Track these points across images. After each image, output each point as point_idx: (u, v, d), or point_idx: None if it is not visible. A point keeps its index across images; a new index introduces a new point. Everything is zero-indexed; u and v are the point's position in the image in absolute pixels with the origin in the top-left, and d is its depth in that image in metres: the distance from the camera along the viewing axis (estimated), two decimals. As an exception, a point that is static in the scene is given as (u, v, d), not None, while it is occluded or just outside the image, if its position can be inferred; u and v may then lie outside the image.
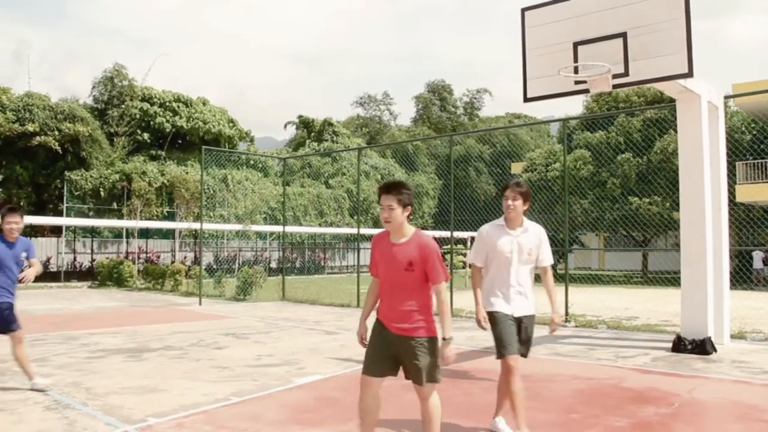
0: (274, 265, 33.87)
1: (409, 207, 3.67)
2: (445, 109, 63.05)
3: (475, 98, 64.47)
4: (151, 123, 36.71)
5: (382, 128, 59.67)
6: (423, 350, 3.68)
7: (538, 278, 4.60)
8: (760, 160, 23.29)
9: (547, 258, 4.51)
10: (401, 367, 3.80)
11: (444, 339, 3.65)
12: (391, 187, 3.67)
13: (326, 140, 44.40)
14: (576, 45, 7.57)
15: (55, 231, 29.37)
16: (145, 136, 36.44)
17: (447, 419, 4.90)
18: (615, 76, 7.28)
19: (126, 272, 23.21)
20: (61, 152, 29.00)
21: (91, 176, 29.78)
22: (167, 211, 31.21)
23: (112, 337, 9.44)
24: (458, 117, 63.59)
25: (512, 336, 4.30)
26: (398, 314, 3.69)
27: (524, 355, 4.40)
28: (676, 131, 8.82)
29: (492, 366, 7.16)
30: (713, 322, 8.05)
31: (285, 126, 53.11)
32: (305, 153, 40.82)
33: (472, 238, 28.98)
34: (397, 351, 3.73)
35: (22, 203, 28.90)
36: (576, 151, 27.61)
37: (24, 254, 6.01)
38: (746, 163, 23.67)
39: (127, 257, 27.36)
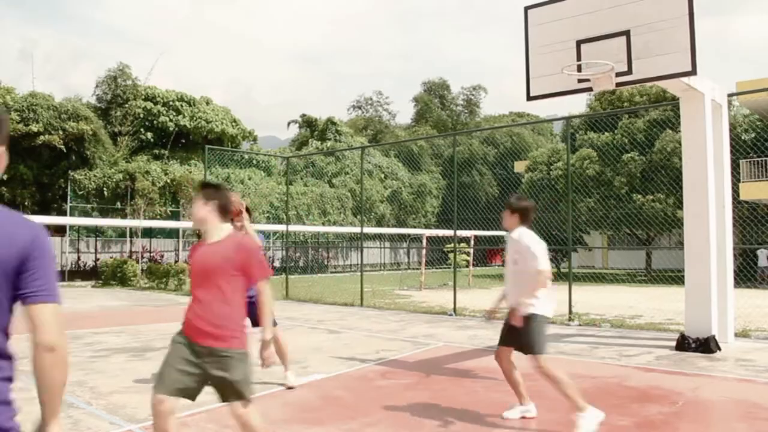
0: (277, 264, 33.93)
1: (223, 207, 3.37)
2: (445, 107, 62.87)
3: (473, 95, 64.28)
4: (155, 122, 36.78)
5: (383, 128, 59.63)
6: (238, 364, 3.24)
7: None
8: (763, 158, 23.22)
9: (532, 264, 4.53)
10: (212, 389, 3.33)
11: (264, 340, 3.28)
12: (202, 187, 3.42)
13: (329, 139, 44.43)
14: (579, 43, 7.56)
15: (59, 230, 29.45)
16: (149, 135, 36.52)
17: (451, 418, 4.90)
18: (618, 75, 7.27)
19: (130, 272, 23.26)
20: (65, 151, 29.09)
21: (94, 176, 29.84)
22: (171, 211, 31.26)
23: (116, 337, 9.46)
24: (458, 115, 63.45)
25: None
26: (209, 323, 3.25)
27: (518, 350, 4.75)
28: (674, 130, 8.80)
29: (495, 364, 7.15)
30: (717, 321, 8.04)
31: (288, 125, 53.17)
32: (308, 152, 40.86)
33: (476, 237, 29.02)
34: (205, 367, 3.23)
35: (26, 203, 29.01)
36: (582, 150, 27.57)
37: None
38: (750, 161, 23.60)
39: (130, 256, 27.43)
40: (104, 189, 29.96)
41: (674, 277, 16.21)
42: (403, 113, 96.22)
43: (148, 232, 30.92)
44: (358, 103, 63.47)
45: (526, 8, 8.17)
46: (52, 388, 1.56)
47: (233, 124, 39.63)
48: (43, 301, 1.60)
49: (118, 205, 30.41)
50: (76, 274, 26.75)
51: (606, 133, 27.63)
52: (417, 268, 30.67)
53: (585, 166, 26.83)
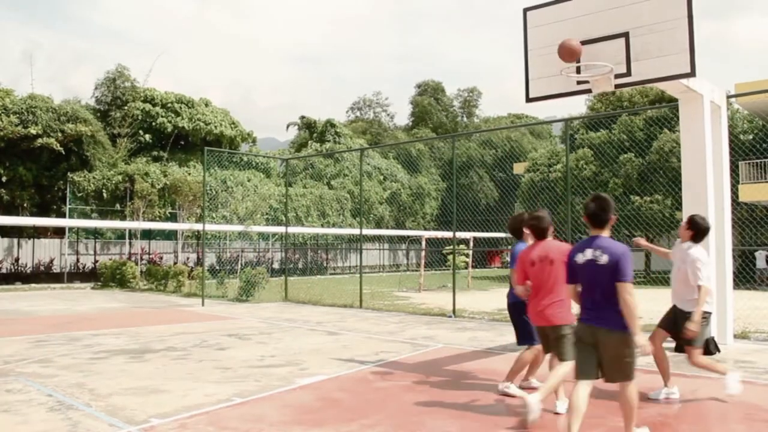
0: (276, 265, 33.89)
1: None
2: (441, 108, 62.64)
3: (470, 98, 64.15)
4: (153, 124, 36.75)
5: (382, 131, 59.51)
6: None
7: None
8: (762, 160, 23.24)
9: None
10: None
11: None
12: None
13: (328, 141, 44.42)
14: (578, 45, 7.55)
15: (58, 232, 29.43)
16: (147, 137, 36.49)
17: (451, 420, 4.90)
18: (617, 76, 7.27)
19: (129, 273, 23.24)
20: (64, 153, 29.07)
21: (93, 177, 29.82)
22: (170, 212, 31.24)
23: (115, 338, 9.45)
24: (455, 117, 63.35)
25: None
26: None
27: None
28: (672, 129, 8.81)
29: (494, 366, 7.16)
30: (716, 322, 8.04)
31: (287, 127, 53.16)
32: (308, 154, 40.85)
33: (474, 238, 29.07)
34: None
35: (25, 204, 28.98)
36: (579, 151, 27.59)
37: None
38: (749, 163, 23.62)
39: (129, 258, 27.40)
40: (103, 191, 29.93)
41: (673, 279, 16.17)
42: (403, 115, 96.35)
43: (147, 234, 30.91)
44: (357, 105, 63.38)
45: (525, 10, 8.17)
46: (628, 317, 3.80)
47: (232, 125, 39.62)
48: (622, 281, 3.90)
49: (117, 207, 30.39)
50: (75, 276, 26.73)
51: (603, 131, 27.62)
52: (416, 270, 30.68)
53: (581, 167, 26.81)
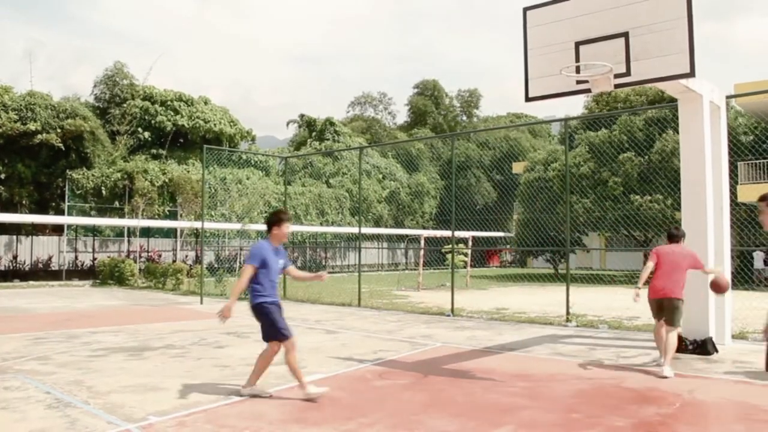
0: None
1: None
2: (440, 109, 62.48)
3: (470, 99, 64.08)
4: (152, 122, 36.72)
5: (382, 131, 59.42)
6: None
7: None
8: (762, 160, 23.26)
9: None
10: None
11: None
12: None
13: (327, 139, 44.42)
14: (578, 44, 7.55)
15: (57, 230, 29.41)
16: (146, 134, 36.45)
17: (449, 419, 4.90)
18: (617, 76, 7.26)
19: (127, 271, 23.22)
20: (63, 150, 29.04)
21: (92, 175, 29.79)
22: (169, 210, 31.22)
23: (114, 336, 9.45)
24: (455, 116, 63.28)
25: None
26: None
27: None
28: (675, 130, 8.81)
29: (492, 365, 7.17)
30: (714, 323, 8.04)
31: (287, 125, 53.17)
32: (307, 152, 40.84)
33: (473, 238, 28.99)
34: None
35: (23, 202, 28.96)
36: (576, 149, 27.58)
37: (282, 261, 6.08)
38: (748, 163, 23.63)
39: (128, 256, 27.38)
40: (102, 188, 29.92)
41: (672, 279, 16.17)
42: (402, 115, 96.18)
43: (146, 232, 30.89)
44: (359, 100, 63.16)
45: (525, 9, 8.16)
46: None
47: (231, 123, 39.60)
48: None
49: (116, 204, 30.38)
50: (74, 273, 26.69)
51: (603, 130, 27.59)
52: (415, 269, 30.68)
53: (578, 163, 26.78)
